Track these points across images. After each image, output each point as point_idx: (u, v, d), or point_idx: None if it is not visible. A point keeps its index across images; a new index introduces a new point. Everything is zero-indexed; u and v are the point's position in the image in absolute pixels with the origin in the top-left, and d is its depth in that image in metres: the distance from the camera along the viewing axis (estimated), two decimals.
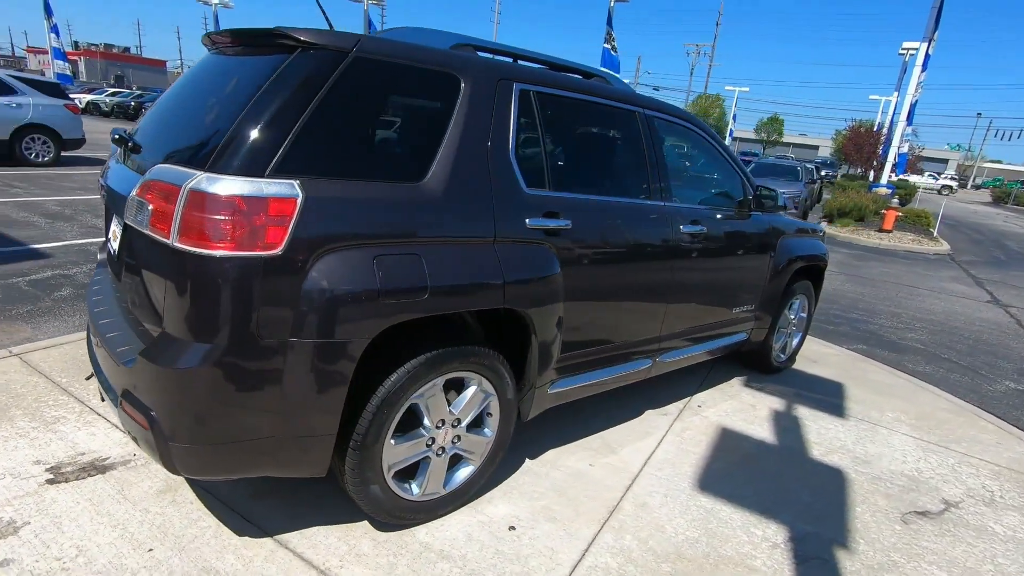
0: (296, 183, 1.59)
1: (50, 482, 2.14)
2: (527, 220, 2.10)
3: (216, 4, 29.11)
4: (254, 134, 1.57)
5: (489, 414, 2.23)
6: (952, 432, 3.44)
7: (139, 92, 29.28)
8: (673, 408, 3.32)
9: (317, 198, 1.62)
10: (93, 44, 51.78)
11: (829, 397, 3.77)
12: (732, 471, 2.73)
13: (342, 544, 1.99)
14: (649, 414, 3.21)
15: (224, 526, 2.02)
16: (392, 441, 1.92)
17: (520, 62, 2.41)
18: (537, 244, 2.14)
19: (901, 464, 2.99)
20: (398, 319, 1.76)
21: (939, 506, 2.64)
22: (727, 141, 38.09)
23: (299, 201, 1.58)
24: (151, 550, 1.88)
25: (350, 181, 1.70)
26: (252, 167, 1.55)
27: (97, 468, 2.24)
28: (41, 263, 4.76)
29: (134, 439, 1.74)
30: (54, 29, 26.17)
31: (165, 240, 1.54)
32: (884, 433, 3.33)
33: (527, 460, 2.63)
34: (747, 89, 39.06)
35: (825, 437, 3.19)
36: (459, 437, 2.15)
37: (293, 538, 1.99)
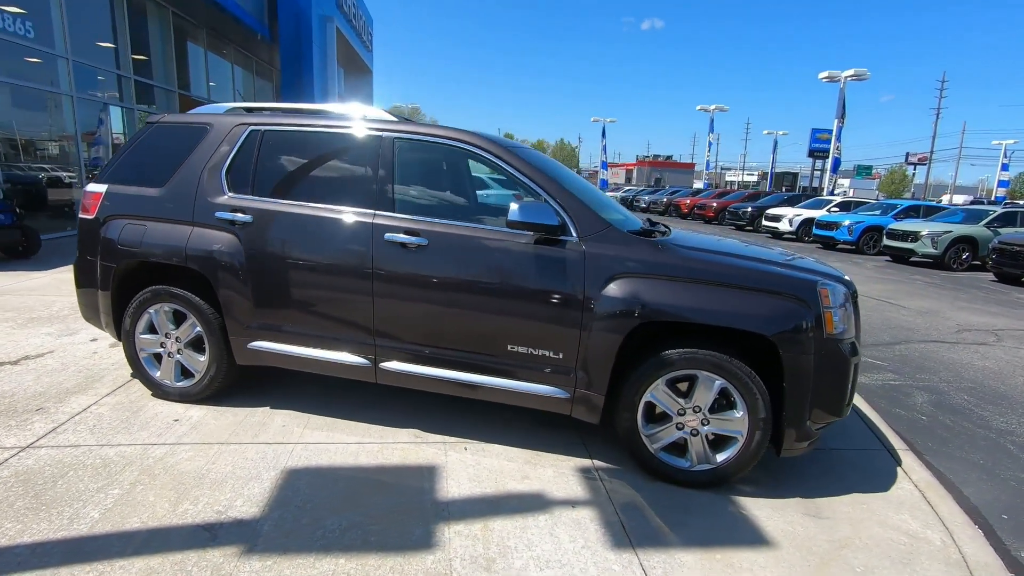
0: (105, 185, 3.36)
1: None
2: (216, 213, 3.13)
3: (713, 110, 33.20)
4: (107, 164, 3.45)
5: (204, 346, 3.28)
6: None
7: (672, 190, 32.48)
8: (436, 439, 3.08)
9: (111, 192, 3.34)
10: (646, 155, 66.52)
11: (675, 531, 2.39)
12: (284, 482, 2.61)
13: (133, 393, 3.51)
14: (407, 432, 3.14)
15: None
16: (140, 334, 3.35)
17: (284, 114, 3.39)
18: (223, 230, 3.12)
19: None
20: (129, 259, 3.24)
21: None
22: None
23: (103, 193, 3.34)
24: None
25: (129, 186, 3.34)
26: (99, 178, 3.42)
27: None
28: None
29: None
30: (603, 149, 36.43)
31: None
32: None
33: (267, 408, 3.36)
34: None
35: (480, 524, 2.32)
36: (181, 351, 3.32)
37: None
